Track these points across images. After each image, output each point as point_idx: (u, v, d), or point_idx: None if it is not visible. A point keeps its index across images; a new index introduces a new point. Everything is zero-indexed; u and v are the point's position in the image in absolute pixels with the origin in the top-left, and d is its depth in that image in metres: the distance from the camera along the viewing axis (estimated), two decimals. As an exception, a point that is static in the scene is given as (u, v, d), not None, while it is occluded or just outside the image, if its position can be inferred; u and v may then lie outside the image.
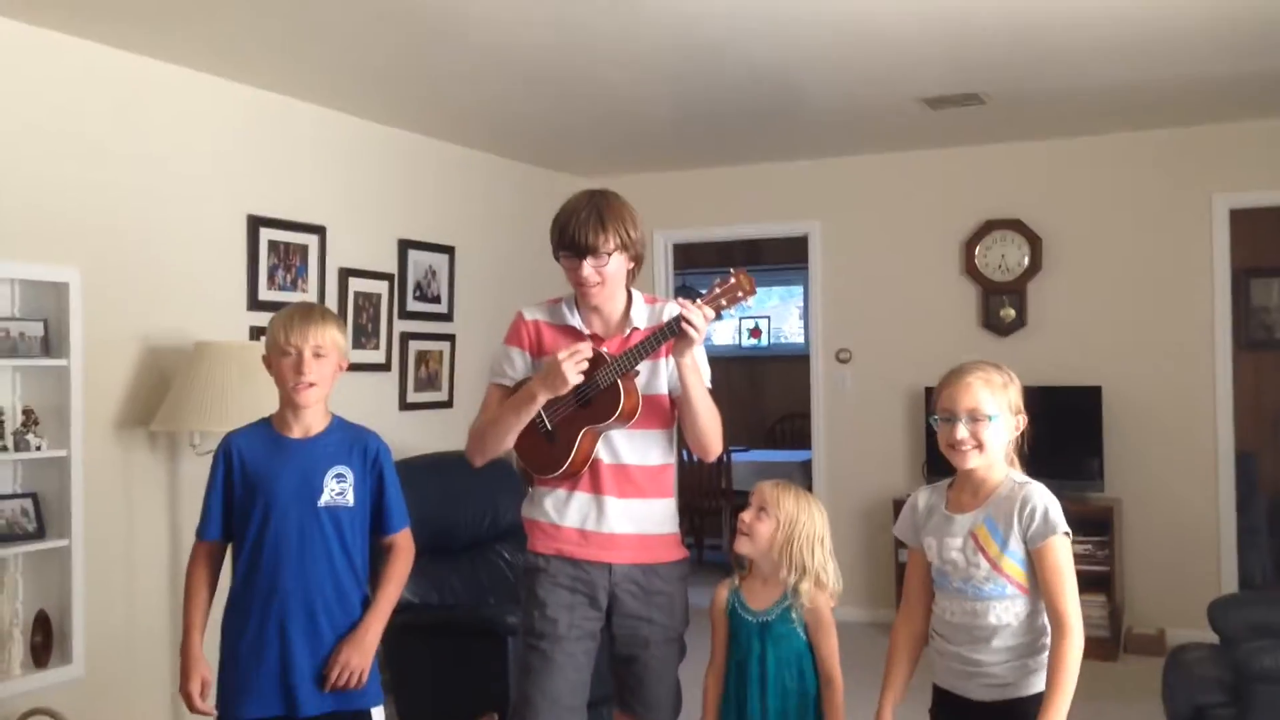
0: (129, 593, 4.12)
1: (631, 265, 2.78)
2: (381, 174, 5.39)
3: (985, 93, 5.07)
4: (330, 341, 2.62)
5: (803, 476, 7.90)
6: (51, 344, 3.87)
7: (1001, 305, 6.16)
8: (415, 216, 5.62)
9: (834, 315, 6.60)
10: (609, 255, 2.70)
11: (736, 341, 10.26)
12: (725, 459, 8.17)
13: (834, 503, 6.55)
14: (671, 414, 2.80)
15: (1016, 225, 6.14)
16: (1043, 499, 2.39)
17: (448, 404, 5.74)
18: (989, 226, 6.19)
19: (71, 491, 3.88)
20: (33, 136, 3.83)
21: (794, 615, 2.53)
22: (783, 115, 5.40)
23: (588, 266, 2.70)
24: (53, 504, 3.89)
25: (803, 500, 2.59)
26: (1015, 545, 2.38)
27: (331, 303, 5.04)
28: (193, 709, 2.57)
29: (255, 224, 4.64)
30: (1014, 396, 2.45)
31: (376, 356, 5.35)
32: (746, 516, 2.61)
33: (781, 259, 8.71)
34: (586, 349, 2.62)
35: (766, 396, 9.86)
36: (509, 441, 2.77)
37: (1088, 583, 5.56)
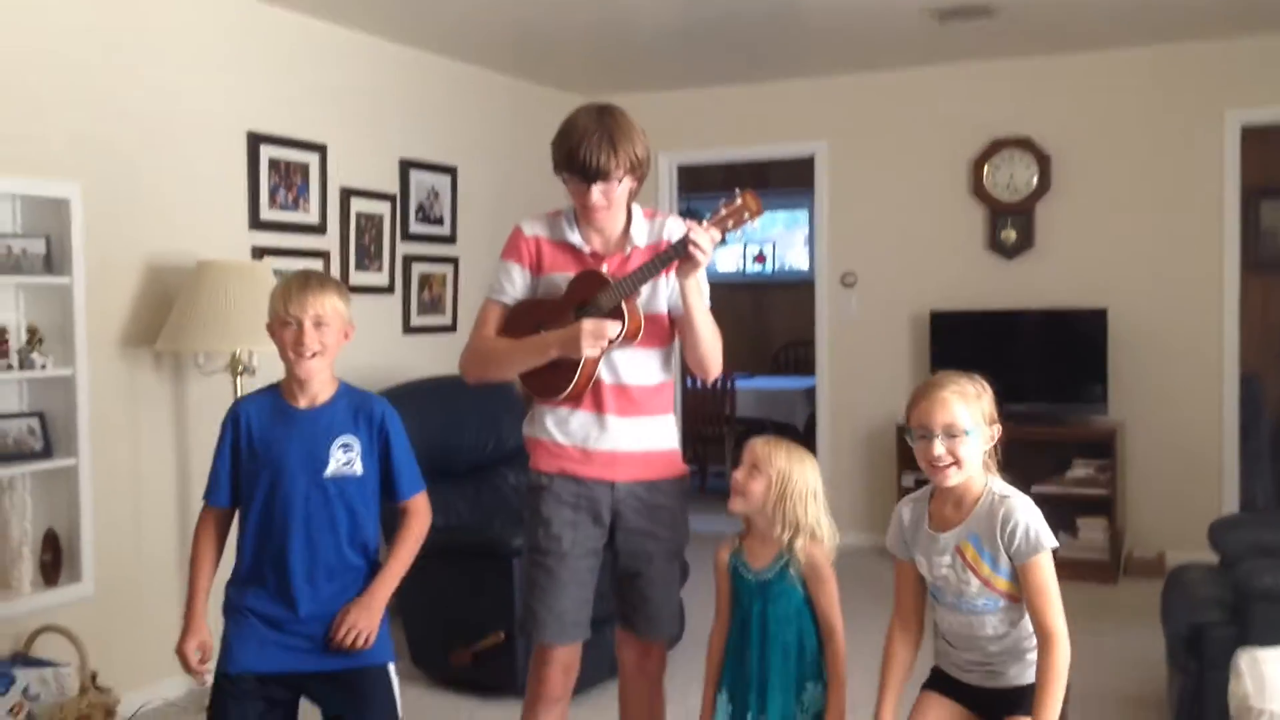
0: (136, 512, 4.16)
1: (635, 185, 2.73)
2: (381, 90, 5.32)
3: (994, 4, 4.97)
4: (331, 309, 2.55)
5: (807, 403, 7.92)
6: (54, 261, 3.85)
7: (1004, 226, 6.12)
8: (417, 136, 5.55)
9: (839, 238, 6.55)
10: (619, 181, 2.65)
11: (741, 268, 10.21)
12: (730, 386, 8.18)
13: (837, 428, 6.59)
14: (671, 332, 2.78)
15: (1025, 144, 6.06)
16: (1024, 515, 2.38)
17: (451, 328, 5.73)
18: (997, 145, 6.12)
19: (78, 411, 3.89)
20: (32, 52, 3.78)
21: (791, 572, 2.54)
22: (790, 25, 5.29)
23: (596, 191, 2.64)
24: (59, 423, 3.90)
25: (794, 456, 2.57)
26: (1003, 561, 2.40)
27: (333, 223, 5.01)
28: (187, 669, 2.56)
29: (255, 141, 4.59)
30: (987, 406, 2.45)
31: (380, 279, 5.33)
32: (739, 475, 2.60)
33: (787, 183, 8.63)
34: (613, 330, 2.58)
35: (771, 323, 9.83)
36: (511, 376, 2.77)
37: (1089, 506, 5.68)
